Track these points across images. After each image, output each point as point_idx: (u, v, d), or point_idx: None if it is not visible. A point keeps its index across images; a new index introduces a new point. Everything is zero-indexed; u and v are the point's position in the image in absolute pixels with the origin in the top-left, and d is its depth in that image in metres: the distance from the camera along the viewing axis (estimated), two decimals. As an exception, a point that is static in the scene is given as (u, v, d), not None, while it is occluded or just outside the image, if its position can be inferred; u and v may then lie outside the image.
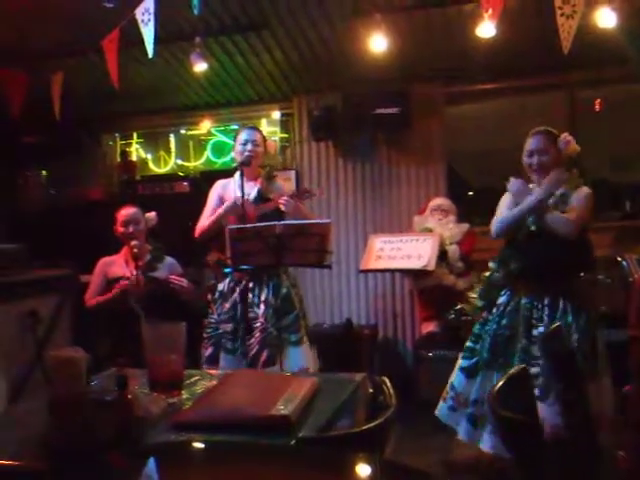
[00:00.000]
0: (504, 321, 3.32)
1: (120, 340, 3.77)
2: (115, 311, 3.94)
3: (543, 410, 2.74)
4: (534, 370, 3.00)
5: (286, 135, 6.30)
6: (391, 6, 4.61)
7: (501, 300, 3.39)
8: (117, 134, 7.06)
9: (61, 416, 1.59)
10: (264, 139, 4.03)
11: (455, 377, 3.51)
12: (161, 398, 1.89)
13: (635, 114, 5.37)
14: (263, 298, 3.76)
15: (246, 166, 3.83)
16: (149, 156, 7.11)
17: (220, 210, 3.87)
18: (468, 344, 3.51)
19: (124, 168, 6.76)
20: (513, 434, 1.87)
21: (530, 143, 3.39)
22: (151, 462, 1.46)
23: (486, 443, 3.25)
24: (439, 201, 5.28)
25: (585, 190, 3.31)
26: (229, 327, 3.77)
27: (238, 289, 3.82)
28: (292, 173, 5.95)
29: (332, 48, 5.19)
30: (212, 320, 3.87)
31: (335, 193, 5.95)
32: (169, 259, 4.20)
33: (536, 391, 2.89)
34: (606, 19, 3.92)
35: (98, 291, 4.08)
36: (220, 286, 3.89)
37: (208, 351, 3.82)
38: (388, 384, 2.09)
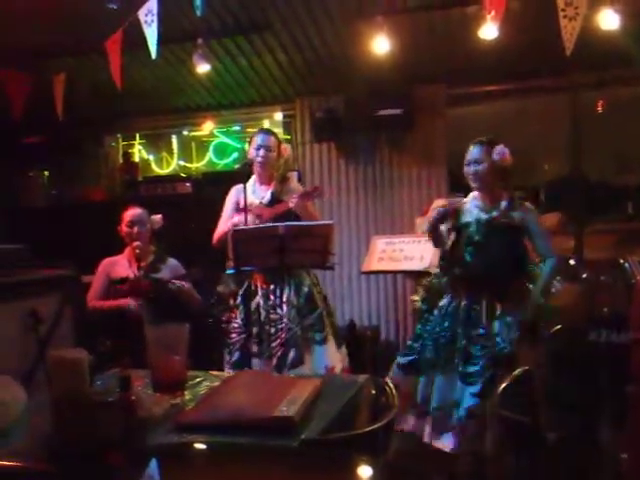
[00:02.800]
0: (445, 323, 3.42)
1: (122, 340, 3.77)
2: (117, 313, 3.94)
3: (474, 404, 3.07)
4: (472, 369, 3.19)
5: (288, 137, 6.30)
6: (394, 8, 4.61)
7: (442, 303, 3.50)
8: (119, 135, 7.07)
9: (63, 417, 1.59)
10: (279, 143, 4.02)
11: (392, 372, 3.57)
12: (164, 399, 1.89)
13: (638, 116, 5.37)
14: (285, 298, 3.75)
15: (257, 165, 3.84)
16: (151, 157, 7.12)
17: (232, 222, 3.85)
18: (408, 342, 3.66)
19: (126, 169, 6.77)
20: (514, 435, 1.87)
21: (469, 153, 3.48)
22: (154, 463, 1.46)
23: (449, 441, 3.30)
24: (441, 203, 5.27)
25: (533, 211, 3.45)
26: (254, 330, 3.74)
27: (261, 291, 3.81)
28: (294, 174, 5.94)
29: (335, 50, 5.19)
30: (235, 325, 3.85)
31: (337, 194, 5.95)
32: (172, 260, 4.20)
33: (473, 389, 3.13)
34: (609, 21, 3.92)
35: (100, 292, 4.08)
36: (241, 291, 3.87)
37: (235, 356, 3.79)
38: (390, 385, 2.09)
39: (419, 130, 5.59)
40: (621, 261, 4.03)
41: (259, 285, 3.82)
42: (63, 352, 1.72)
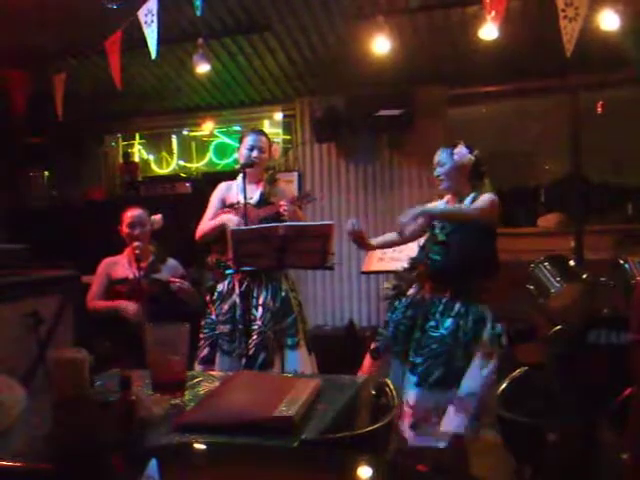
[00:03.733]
0: (409, 312, 3.53)
1: (121, 341, 3.77)
2: (116, 313, 3.94)
3: (417, 395, 3.25)
4: (418, 360, 3.33)
5: (288, 137, 6.30)
6: (394, 8, 4.61)
7: (410, 292, 3.61)
8: (119, 135, 7.07)
9: (64, 417, 1.59)
10: (270, 144, 4.03)
11: (366, 359, 3.68)
12: (164, 399, 1.90)
13: (637, 117, 5.37)
14: (261, 301, 3.76)
15: (249, 168, 3.83)
16: (151, 157, 7.12)
17: (220, 219, 3.86)
18: (379, 329, 3.77)
19: (126, 169, 6.77)
20: (516, 435, 1.87)
21: (435, 157, 3.59)
22: (154, 464, 1.46)
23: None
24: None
25: (487, 195, 3.45)
26: (227, 328, 3.76)
27: (238, 290, 3.81)
28: (295, 175, 5.95)
29: (335, 50, 5.19)
30: (209, 321, 3.86)
31: (337, 195, 5.95)
32: (171, 260, 4.20)
33: (414, 378, 3.28)
34: (609, 21, 3.92)
35: (101, 292, 4.08)
36: (219, 287, 3.88)
37: (204, 352, 3.82)
38: (390, 386, 2.09)
39: (419, 130, 5.59)
40: (621, 262, 4.03)
41: (236, 285, 3.82)
42: (63, 352, 1.72)
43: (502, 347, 3.37)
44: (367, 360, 3.67)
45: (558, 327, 3.78)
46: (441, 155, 3.56)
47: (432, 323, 3.40)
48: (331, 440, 1.69)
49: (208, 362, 3.77)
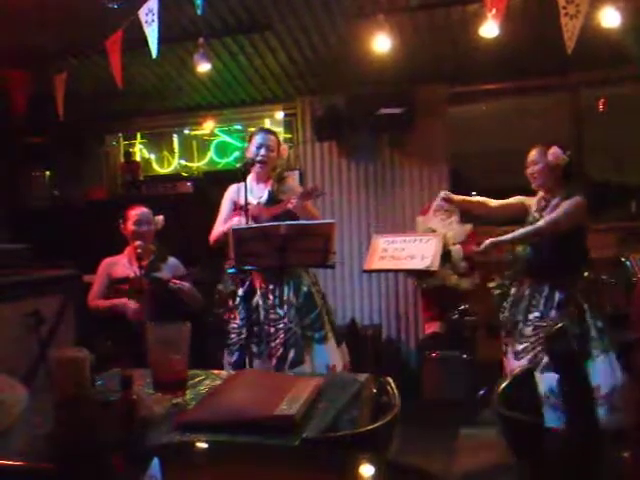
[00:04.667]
0: (513, 309, 3.79)
1: (122, 340, 3.77)
2: (117, 312, 3.95)
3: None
4: (521, 347, 3.58)
5: (289, 136, 6.30)
6: (394, 7, 4.60)
7: (512, 291, 3.86)
8: (120, 134, 7.06)
9: (65, 416, 1.59)
10: (278, 143, 4.03)
11: (510, 364, 3.80)
12: (165, 398, 1.90)
13: (639, 114, 5.36)
14: (284, 298, 3.75)
15: (251, 166, 3.83)
16: (152, 156, 7.11)
17: (230, 223, 3.85)
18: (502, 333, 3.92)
19: (127, 168, 6.76)
20: (517, 434, 1.87)
21: (529, 155, 3.82)
22: (155, 462, 1.46)
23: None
24: (443, 195, 5.26)
25: (572, 199, 3.69)
26: (254, 331, 3.74)
27: (259, 291, 3.81)
28: (296, 173, 5.94)
29: (335, 48, 5.18)
30: (235, 326, 3.85)
31: (338, 193, 5.95)
32: (172, 259, 4.20)
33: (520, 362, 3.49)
34: (610, 19, 3.92)
35: (101, 291, 4.08)
36: (240, 291, 3.87)
37: (234, 357, 3.80)
38: (392, 384, 2.09)
39: (420, 129, 5.59)
40: (623, 259, 4.03)
41: (258, 285, 3.82)
42: (64, 351, 1.72)
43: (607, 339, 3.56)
44: (514, 365, 3.71)
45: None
46: (532, 154, 3.78)
47: (536, 314, 3.63)
48: (332, 439, 1.69)
49: (240, 367, 3.72)
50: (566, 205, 3.64)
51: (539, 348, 3.49)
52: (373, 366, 5.04)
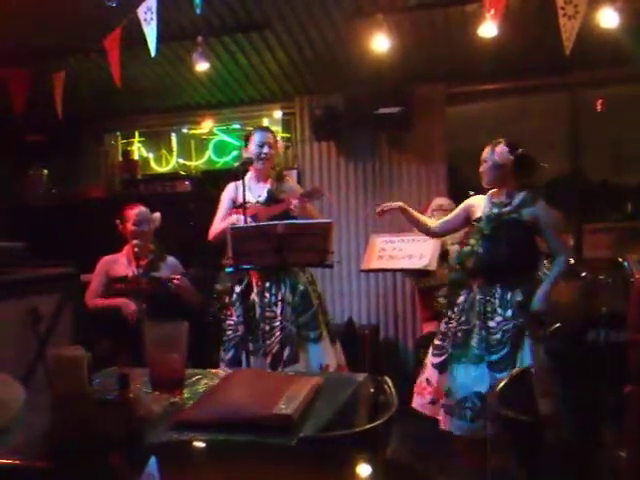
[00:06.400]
0: (463, 317, 3.68)
1: (120, 339, 3.77)
2: (115, 311, 3.94)
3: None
4: (494, 357, 3.48)
5: (288, 135, 6.30)
6: (393, 6, 4.60)
7: (460, 299, 3.76)
8: (119, 133, 7.06)
9: (63, 415, 1.59)
10: (275, 140, 4.05)
11: (428, 374, 3.81)
12: (163, 397, 1.89)
13: (637, 115, 5.37)
14: (280, 297, 3.77)
15: (259, 162, 3.86)
16: (151, 155, 7.11)
17: (229, 220, 3.87)
18: (436, 342, 3.83)
19: (126, 167, 6.76)
20: (514, 433, 1.87)
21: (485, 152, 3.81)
22: (152, 461, 1.46)
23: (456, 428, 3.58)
24: (440, 201, 5.28)
25: (546, 208, 3.71)
26: (249, 328, 3.76)
27: (255, 289, 3.82)
28: (294, 173, 5.94)
29: (334, 48, 5.19)
30: (231, 323, 3.86)
31: (336, 193, 5.95)
32: (170, 258, 4.20)
33: (502, 374, 3.32)
34: (608, 19, 3.92)
35: (100, 290, 4.08)
36: (237, 288, 3.88)
37: (229, 354, 3.82)
38: (389, 384, 2.09)
39: (418, 128, 5.59)
40: (620, 260, 4.03)
41: (254, 283, 3.83)
42: (62, 350, 1.72)
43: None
44: (433, 375, 3.77)
45: (556, 325, 3.79)
46: (485, 152, 3.78)
47: (498, 319, 3.56)
48: (330, 438, 1.69)
49: (235, 364, 3.77)
50: (551, 223, 3.67)
51: (513, 359, 3.47)
52: (371, 365, 5.05)
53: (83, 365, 1.64)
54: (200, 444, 1.61)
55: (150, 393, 1.94)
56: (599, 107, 5.88)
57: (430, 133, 5.66)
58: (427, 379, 3.80)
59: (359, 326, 5.61)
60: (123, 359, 3.33)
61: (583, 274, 4.23)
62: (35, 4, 4.33)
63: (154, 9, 3.78)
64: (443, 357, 3.71)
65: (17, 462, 1.51)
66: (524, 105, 5.84)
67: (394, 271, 5.25)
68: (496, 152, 3.68)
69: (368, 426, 1.82)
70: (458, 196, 5.59)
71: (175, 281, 4.00)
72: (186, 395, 1.98)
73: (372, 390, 2.15)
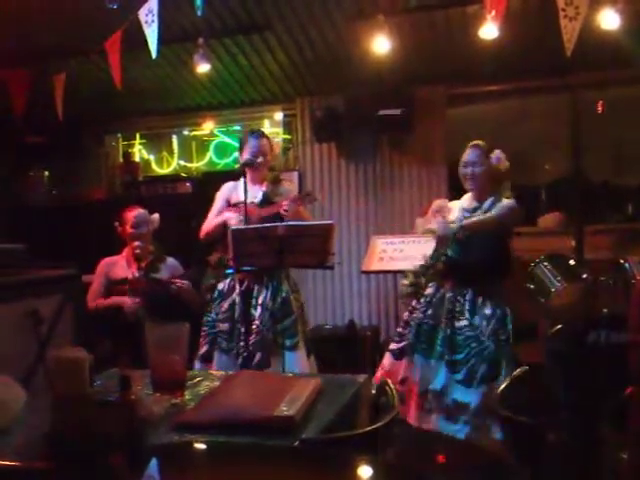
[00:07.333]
0: (429, 311, 3.70)
1: (121, 340, 3.77)
2: (116, 312, 3.94)
3: (467, 393, 3.43)
4: (458, 357, 3.53)
5: (289, 136, 6.30)
6: (394, 7, 4.61)
7: (428, 292, 3.77)
8: (120, 135, 7.06)
9: (64, 416, 1.59)
10: (270, 144, 4.04)
11: (385, 358, 3.86)
12: (164, 399, 1.89)
13: (638, 116, 5.37)
14: (260, 301, 3.77)
15: (250, 167, 3.85)
16: (152, 157, 7.11)
17: (221, 218, 3.88)
18: (398, 329, 3.91)
19: (126, 169, 6.76)
20: (516, 434, 1.87)
21: (466, 154, 3.75)
22: (154, 463, 1.46)
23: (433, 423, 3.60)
24: (441, 203, 5.27)
25: (507, 201, 3.67)
26: (226, 327, 3.79)
27: (238, 289, 3.82)
28: (295, 174, 5.94)
29: (335, 49, 5.19)
30: (209, 319, 3.89)
31: (337, 194, 5.95)
32: (171, 260, 4.20)
33: (459, 376, 3.48)
34: (609, 21, 3.91)
35: (100, 292, 4.08)
36: (220, 286, 3.89)
37: (203, 349, 3.84)
38: (391, 385, 2.09)
39: (419, 130, 5.59)
40: (621, 261, 4.03)
41: (237, 284, 3.83)
42: (63, 352, 1.72)
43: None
44: (387, 359, 3.82)
45: (558, 326, 3.78)
46: (474, 155, 3.69)
47: (464, 322, 3.56)
48: (331, 440, 1.69)
49: (207, 360, 3.80)
50: (503, 205, 3.63)
51: (473, 361, 3.48)
52: (372, 367, 5.04)
53: (84, 367, 1.64)
54: (201, 446, 1.61)
55: (151, 394, 1.94)
56: (600, 108, 5.88)
57: (431, 134, 5.66)
58: (383, 363, 3.87)
59: (360, 327, 5.61)
60: (124, 360, 3.33)
61: (584, 275, 4.21)
62: (36, 5, 4.34)
63: (155, 11, 3.78)
64: (402, 344, 3.74)
65: (18, 464, 1.51)
66: (525, 106, 5.84)
67: (395, 272, 5.24)
68: (494, 157, 3.67)
69: (369, 428, 1.82)
70: (459, 198, 5.60)
71: (178, 284, 4.00)
72: (187, 397, 1.98)
73: (373, 391, 2.15)
